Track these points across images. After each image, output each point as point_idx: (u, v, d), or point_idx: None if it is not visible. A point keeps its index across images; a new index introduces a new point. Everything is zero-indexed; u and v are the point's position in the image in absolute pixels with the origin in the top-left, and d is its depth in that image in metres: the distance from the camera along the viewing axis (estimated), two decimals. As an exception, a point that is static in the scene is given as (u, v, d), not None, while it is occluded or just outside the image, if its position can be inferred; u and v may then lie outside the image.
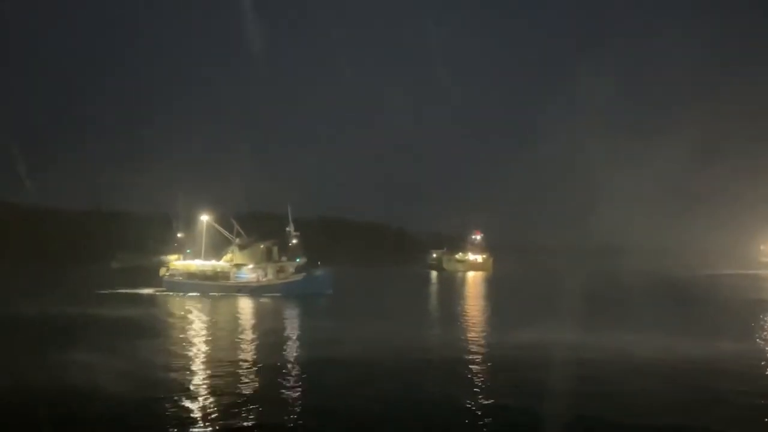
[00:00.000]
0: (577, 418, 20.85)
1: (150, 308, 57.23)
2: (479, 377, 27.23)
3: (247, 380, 26.55)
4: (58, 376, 25.64)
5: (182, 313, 53.34)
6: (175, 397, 23.38)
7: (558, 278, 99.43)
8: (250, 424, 20.50)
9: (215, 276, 69.93)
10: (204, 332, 42.19)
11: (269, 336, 40.24)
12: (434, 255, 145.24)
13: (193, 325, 45.82)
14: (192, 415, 21.37)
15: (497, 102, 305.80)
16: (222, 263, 70.47)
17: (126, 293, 68.94)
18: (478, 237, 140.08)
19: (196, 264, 71.06)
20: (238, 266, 69.65)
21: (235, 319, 50.91)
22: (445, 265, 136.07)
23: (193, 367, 29.48)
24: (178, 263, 72.85)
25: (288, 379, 26.64)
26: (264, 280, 69.03)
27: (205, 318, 50.26)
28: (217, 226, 72.58)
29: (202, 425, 20.26)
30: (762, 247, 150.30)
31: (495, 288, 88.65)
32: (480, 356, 32.26)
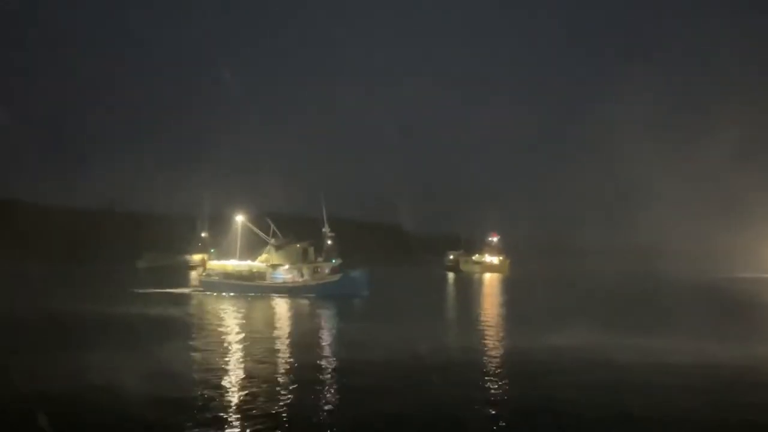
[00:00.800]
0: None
1: (188, 308, 57.44)
2: (502, 382, 25.86)
3: (278, 383, 25.72)
4: (93, 377, 24.94)
5: (219, 312, 53.36)
6: (204, 394, 23.07)
7: (577, 281, 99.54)
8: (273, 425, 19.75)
9: (251, 276, 70.09)
10: (239, 332, 41.68)
11: (304, 337, 39.67)
12: (451, 256, 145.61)
13: (229, 325, 45.51)
14: (215, 414, 20.75)
15: (526, 105, 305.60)
16: (258, 263, 70.63)
17: (163, 293, 69.36)
18: (495, 239, 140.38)
19: (233, 264, 71.29)
20: (274, 267, 69.76)
21: (270, 319, 50.67)
22: (462, 267, 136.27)
23: (226, 366, 29.01)
24: (214, 263, 73.13)
25: (321, 384, 25.57)
26: (300, 280, 69.10)
27: (240, 318, 50.03)
28: (251, 226, 72.80)
29: (225, 426, 19.67)
30: None
31: (512, 290, 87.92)
32: (500, 360, 31.34)
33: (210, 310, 55.76)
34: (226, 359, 31.04)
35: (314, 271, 69.68)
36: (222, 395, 23.34)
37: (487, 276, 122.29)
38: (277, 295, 66.74)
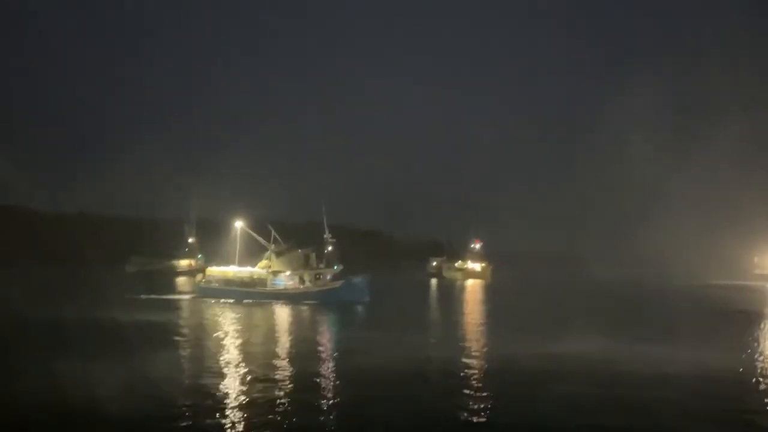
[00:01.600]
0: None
1: (188, 314, 57.05)
2: (486, 393, 26.31)
3: (275, 390, 26.01)
4: (72, 386, 24.96)
5: (219, 319, 52.88)
6: (200, 403, 23.38)
7: (552, 288, 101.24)
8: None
9: (252, 282, 69.71)
10: (237, 340, 41.46)
11: (305, 345, 39.52)
12: (434, 263, 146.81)
13: (229, 333, 45.05)
14: (213, 421, 21.26)
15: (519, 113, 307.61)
16: (258, 270, 70.30)
17: (161, 299, 68.72)
18: (478, 245, 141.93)
19: (233, 270, 70.86)
20: (275, 273, 69.51)
21: (270, 326, 50.40)
22: (444, 273, 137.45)
23: (222, 375, 29.07)
24: (214, 269, 72.43)
25: (320, 392, 26.02)
26: (301, 287, 68.98)
27: (239, 325, 49.65)
28: (251, 231, 72.50)
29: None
30: (756, 259, 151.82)
31: (491, 298, 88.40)
32: (483, 368, 32.11)
33: (209, 316, 55.08)
34: (225, 366, 31.14)
35: (316, 278, 69.52)
36: (219, 401, 23.74)
37: (469, 282, 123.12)
38: (278, 301, 66.48)
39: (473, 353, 36.88)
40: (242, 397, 24.54)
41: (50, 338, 38.69)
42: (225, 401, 23.90)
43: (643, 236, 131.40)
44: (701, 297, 79.56)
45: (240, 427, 20.87)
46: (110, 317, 48.35)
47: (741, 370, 31.23)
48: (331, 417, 22.43)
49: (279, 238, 71.18)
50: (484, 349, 38.49)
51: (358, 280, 69.70)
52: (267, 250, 71.20)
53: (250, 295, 67.79)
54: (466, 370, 30.85)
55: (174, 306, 64.23)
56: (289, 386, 26.91)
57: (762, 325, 53.91)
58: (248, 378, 28.25)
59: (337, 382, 28.07)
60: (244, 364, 31.73)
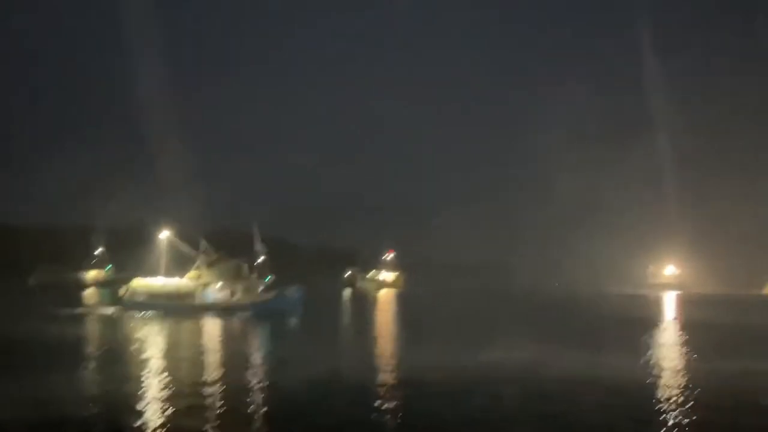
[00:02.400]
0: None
1: (105, 329, 53.94)
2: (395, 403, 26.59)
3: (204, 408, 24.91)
4: None
5: (142, 334, 50.02)
6: (115, 419, 22.44)
7: (462, 297, 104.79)
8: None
9: (180, 295, 66.88)
10: (159, 356, 39.28)
11: (235, 359, 37.98)
12: (349, 273, 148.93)
13: (152, 348, 42.88)
14: None
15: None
16: (187, 281, 67.58)
17: (82, 313, 64.54)
18: (391, 255, 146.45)
19: (159, 282, 67.65)
20: (206, 285, 67.12)
21: (197, 341, 48.21)
22: (357, 283, 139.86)
23: (144, 390, 27.69)
24: (139, 281, 68.72)
25: (255, 408, 25.39)
26: (233, 299, 67.07)
27: (165, 340, 47.69)
28: (179, 242, 69.60)
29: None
30: (650, 268, 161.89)
31: (401, 306, 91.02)
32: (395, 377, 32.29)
33: (132, 331, 51.88)
34: (147, 383, 29.57)
35: (248, 289, 67.84)
36: (139, 417, 22.77)
37: (382, 292, 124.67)
38: (208, 314, 64.15)
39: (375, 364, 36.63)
40: (161, 416, 23.34)
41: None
42: (144, 417, 22.84)
43: (564, 245, 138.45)
44: (599, 306, 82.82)
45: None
46: (19, 333, 44.68)
47: (639, 377, 32.00)
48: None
49: (209, 248, 68.84)
50: (387, 360, 38.71)
51: (291, 291, 68.72)
52: (194, 260, 68.67)
53: (179, 309, 64.95)
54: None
55: (92, 320, 60.55)
56: (216, 401, 25.85)
57: (659, 333, 57.17)
58: (171, 396, 26.65)
59: (262, 395, 27.60)
60: (167, 381, 30.02)
